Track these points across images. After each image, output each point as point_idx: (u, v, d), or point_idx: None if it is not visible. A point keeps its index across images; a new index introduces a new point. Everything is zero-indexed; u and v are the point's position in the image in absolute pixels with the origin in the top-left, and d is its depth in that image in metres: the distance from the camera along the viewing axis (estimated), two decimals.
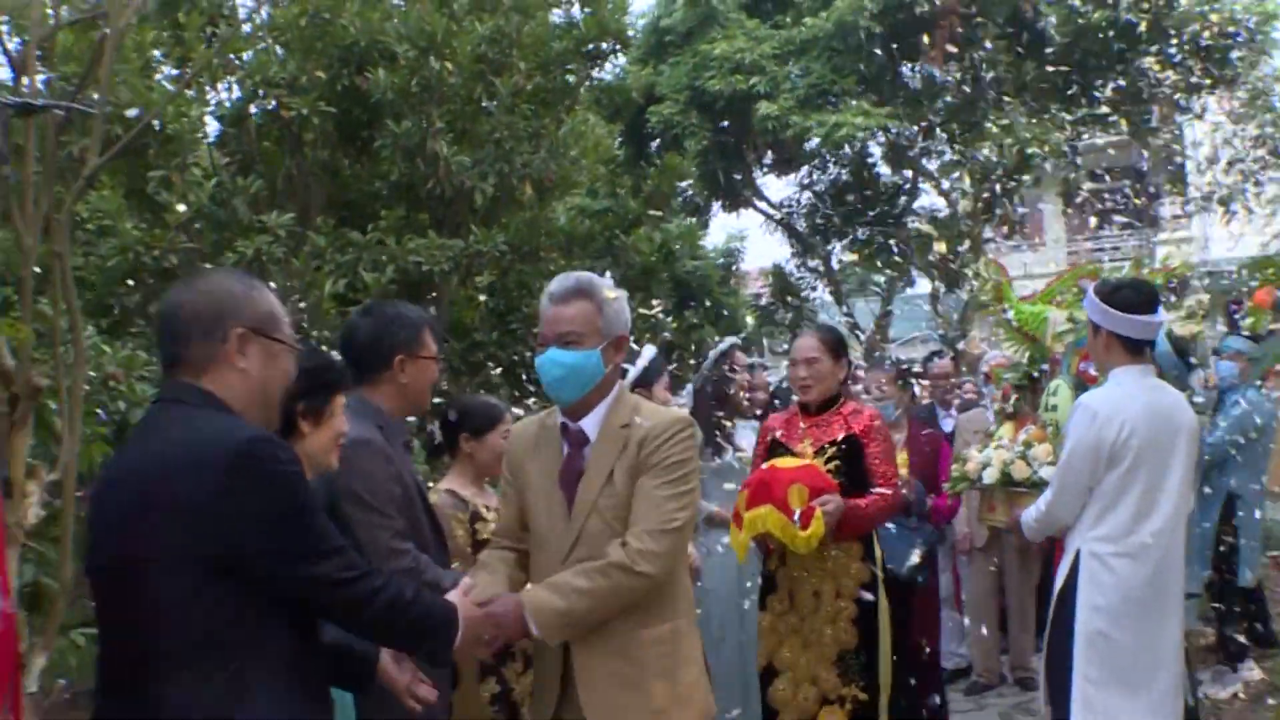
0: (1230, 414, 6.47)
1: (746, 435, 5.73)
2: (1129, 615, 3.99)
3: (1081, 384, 4.55)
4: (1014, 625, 6.97)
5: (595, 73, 8.81)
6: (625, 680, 2.95)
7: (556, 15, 8.35)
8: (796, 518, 4.21)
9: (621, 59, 10.61)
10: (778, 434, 4.77)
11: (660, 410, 3.16)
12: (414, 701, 2.77)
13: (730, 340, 5.87)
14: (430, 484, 4.17)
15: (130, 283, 6.73)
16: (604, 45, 8.29)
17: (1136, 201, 22.47)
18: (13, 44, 4.16)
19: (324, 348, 4.46)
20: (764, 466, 4.55)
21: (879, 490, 4.54)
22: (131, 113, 5.92)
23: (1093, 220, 22.98)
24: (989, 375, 7.01)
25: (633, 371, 4.91)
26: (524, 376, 8.36)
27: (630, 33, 8.79)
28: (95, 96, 4.29)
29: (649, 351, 5.02)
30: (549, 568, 2.99)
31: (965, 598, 7.23)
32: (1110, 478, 3.99)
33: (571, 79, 8.43)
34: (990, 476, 4.74)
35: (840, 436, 4.61)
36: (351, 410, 3.05)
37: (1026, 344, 5.44)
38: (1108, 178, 21.28)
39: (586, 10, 8.31)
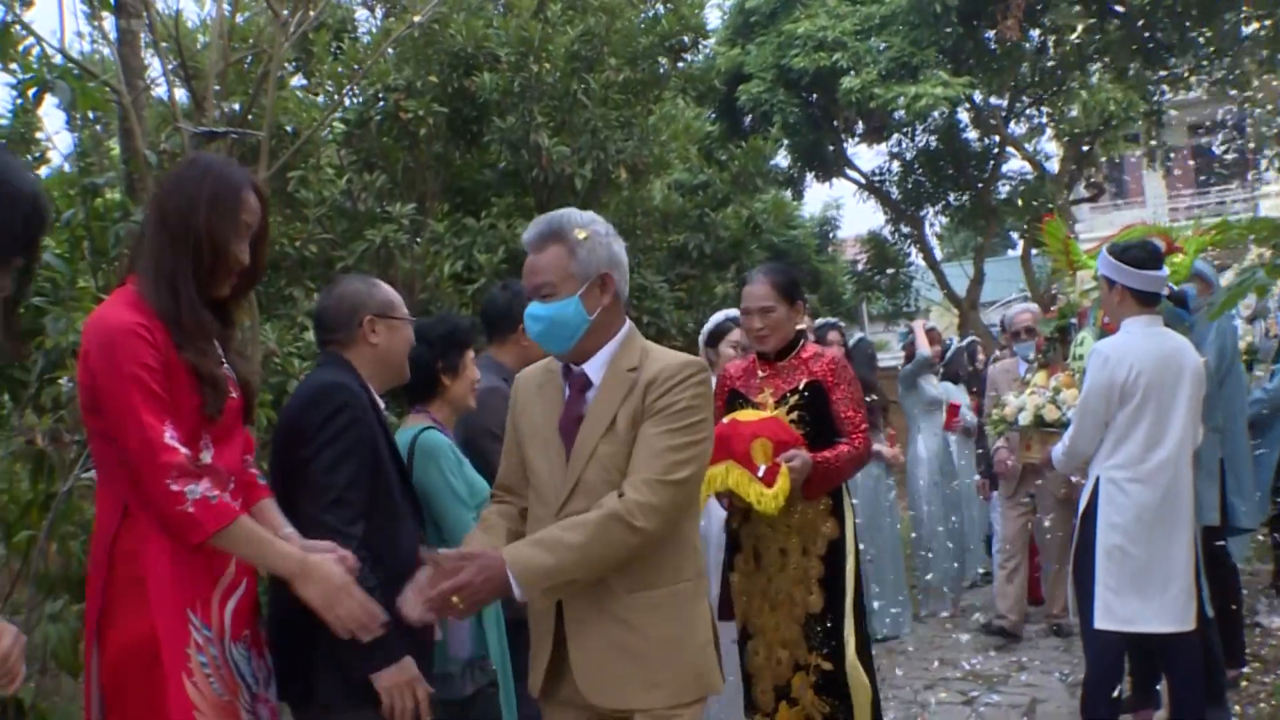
0: None
1: None
2: (1142, 531, 4.57)
3: (1105, 335, 5.03)
4: None
5: (680, 62, 9.44)
6: (623, 649, 2.69)
7: (642, 12, 9.07)
8: (760, 474, 3.97)
9: (709, 44, 11.20)
10: (736, 384, 4.47)
11: (671, 353, 2.85)
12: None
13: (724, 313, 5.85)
14: None
15: (273, 271, 7.65)
16: (685, 38, 8.98)
17: (1219, 156, 22.25)
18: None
19: None
20: (724, 420, 4.21)
21: (846, 441, 4.26)
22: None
23: (1173, 175, 22.72)
24: (1016, 333, 7.25)
25: (702, 333, 5.60)
26: None
27: (718, 15, 9.33)
28: (253, 119, 5.15)
29: (717, 315, 5.65)
30: (544, 520, 2.76)
31: (997, 546, 7.57)
32: (1122, 413, 4.60)
33: (663, 61, 9.13)
34: (1025, 419, 5.30)
35: (802, 384, 4.32)
36: (482, 365, 3.86)
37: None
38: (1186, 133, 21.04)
39: (668, 6, 9.02)
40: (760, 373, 4.41)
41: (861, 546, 4.72)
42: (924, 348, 8.02)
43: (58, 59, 4.99)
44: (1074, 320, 5.72)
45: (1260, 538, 7.35)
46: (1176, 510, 4.61)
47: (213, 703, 2.49)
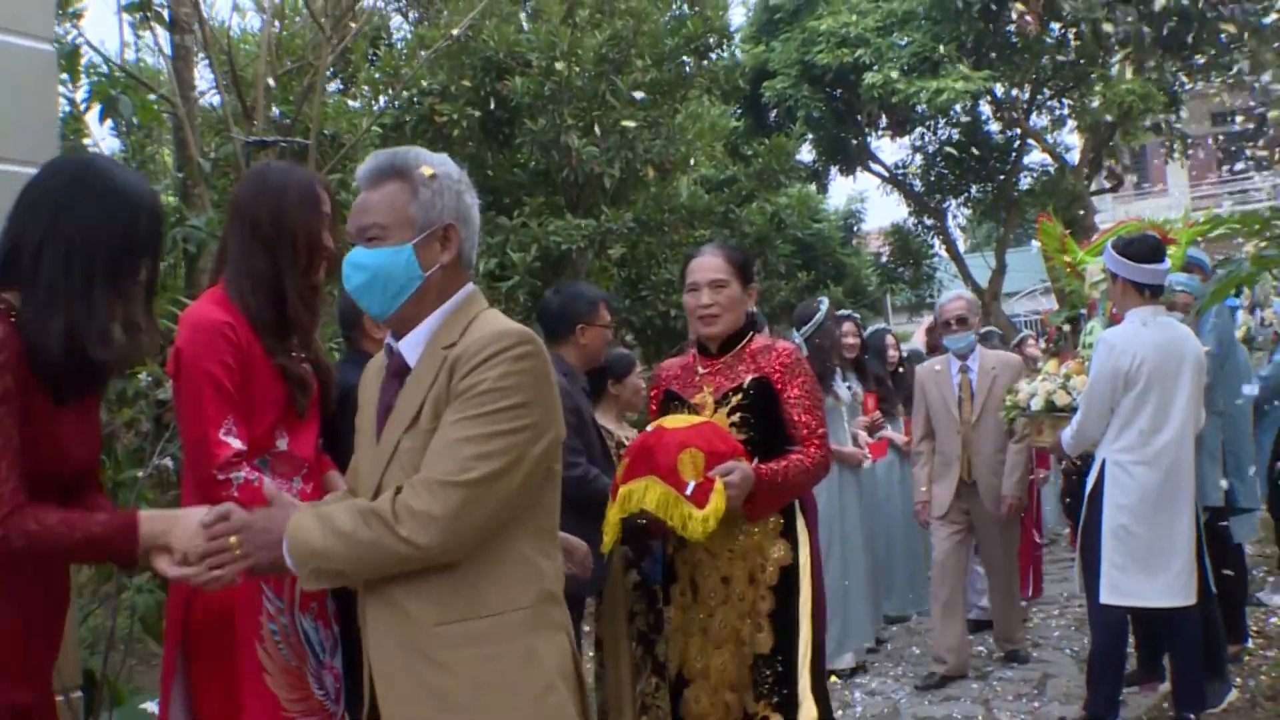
0: None
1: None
2: (1147, 511, 4.80)
3: (1113, 325, 5.26)
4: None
5: (705, 63, 9.72)
6: (435, 694, 2.15)
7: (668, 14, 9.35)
8: (689, 491, 3.31)
9: (735, 43, 11.41)
10: (672, 385, 3.85)
11: (497, 322, 2.27)
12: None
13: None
14: None
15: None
16: (710, 39, 9.26)
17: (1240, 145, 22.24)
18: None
19: None
20: (649, 427, 3.60)
21: (799, 450, 3.59)
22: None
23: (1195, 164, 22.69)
24: (946, 323, 6.36)
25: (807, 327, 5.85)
26: (656, 337, 9.39)
27: (743, 13, 9.51)
28: (296, 126, 5.45)
29: (823, 305, 5.90)
30: None
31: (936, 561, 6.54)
32: (1127, 399, 4.83)
33: (688, 61, 9.40)
34: (1036, 405, 5.53)
35: (747, 380, 3.67)
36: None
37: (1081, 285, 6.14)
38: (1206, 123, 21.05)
39: (694, 9, 9.30)
40: (700, 369, 3.79)
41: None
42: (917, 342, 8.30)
43: (106, 69, 5.32)
44: (1083, 310, 5.96)
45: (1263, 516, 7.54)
46: (1179, 491, 4.83)
47: (281, 667, 2.70)
